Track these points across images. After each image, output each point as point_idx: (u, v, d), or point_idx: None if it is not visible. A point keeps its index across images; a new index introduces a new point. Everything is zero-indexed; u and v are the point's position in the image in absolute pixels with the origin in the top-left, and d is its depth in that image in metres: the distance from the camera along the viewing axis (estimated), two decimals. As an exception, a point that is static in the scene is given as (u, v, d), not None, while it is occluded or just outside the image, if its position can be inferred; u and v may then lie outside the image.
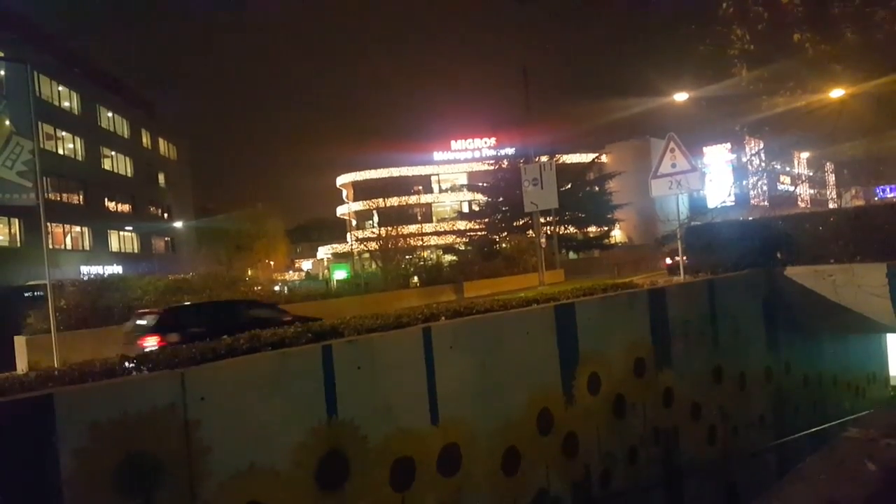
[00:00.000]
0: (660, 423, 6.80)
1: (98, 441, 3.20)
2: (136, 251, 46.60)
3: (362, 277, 29.75)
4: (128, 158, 47.84)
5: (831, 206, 57.42)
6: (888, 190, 52.41)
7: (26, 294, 18.74)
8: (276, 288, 37.98)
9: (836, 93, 10.21)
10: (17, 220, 32.47)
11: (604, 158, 54.20)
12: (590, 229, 46.25)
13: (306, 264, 69.79)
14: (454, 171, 62.11)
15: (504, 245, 33.13)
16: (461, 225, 50.05)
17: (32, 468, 3.05)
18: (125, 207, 46.88)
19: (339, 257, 57.06)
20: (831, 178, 68.68)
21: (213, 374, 3.83)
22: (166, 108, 54.86)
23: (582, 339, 6.15)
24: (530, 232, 33.26)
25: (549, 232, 34.16)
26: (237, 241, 51.75)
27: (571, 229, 44.71)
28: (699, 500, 7.04)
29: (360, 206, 60.02)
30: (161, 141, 54.16)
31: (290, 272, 65.27)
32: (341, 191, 67.53)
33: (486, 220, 44.37)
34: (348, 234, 62.37)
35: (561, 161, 42.29)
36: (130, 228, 46.16)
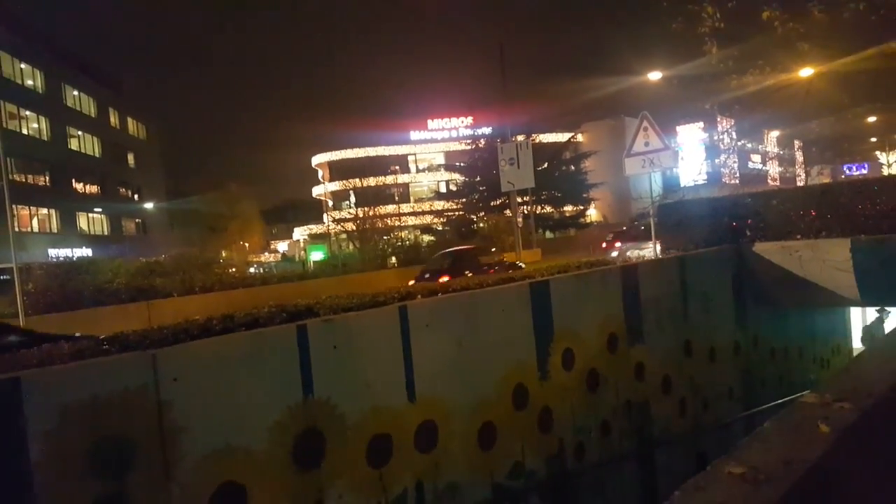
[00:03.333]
0: (632, 397, 6.97)
1: (68, 424, 3.16)
2: (105, 233, 45.62)
3: (339, 258, 29.63)
4: (95, 138, 46.55)
5: (799, 183, 58.69)
6: (854, 167, 53.75)
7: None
8: (252, 270, 37.61)
9: (805, 72, 10.38)
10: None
11: (579, 138, 54.41)
12: (566, 208, 46.60)
13: (282, 245, 69.22)
14: (431, 150, 61.84)
15: (481, 224, 33.22)
16: (439, 205, 50.01)
17: (3, 456, 3.01)
18: (93, 189, 45.75)
19: (315, 238, 56.65)
20: (800, 156, 70.09)
21: (185, 354, 3.81)
22: (137, 87, 53.48)
23: (556, 316, 6.24)
24: (507, 211, 33.38)
25: (526, 211, 34.33)
26: (210, 222, 50.96)
27: (548, 208, 45.01)
28: (670, 471, 7.25)
29: (336, 186, 59.50)
30: (130, 120, 52.77)
31: (266, 254, 64.68)
32: (317, 171, 66.79)
33: (464, 199, 44.40)
34: (325, 215, 61.85)
35: (537, 140, 42.36)
36: (100, 210, 45.11)
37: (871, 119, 37.38)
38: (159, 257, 20.71)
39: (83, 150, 44.97)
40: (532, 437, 5.84)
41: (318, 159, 64.59)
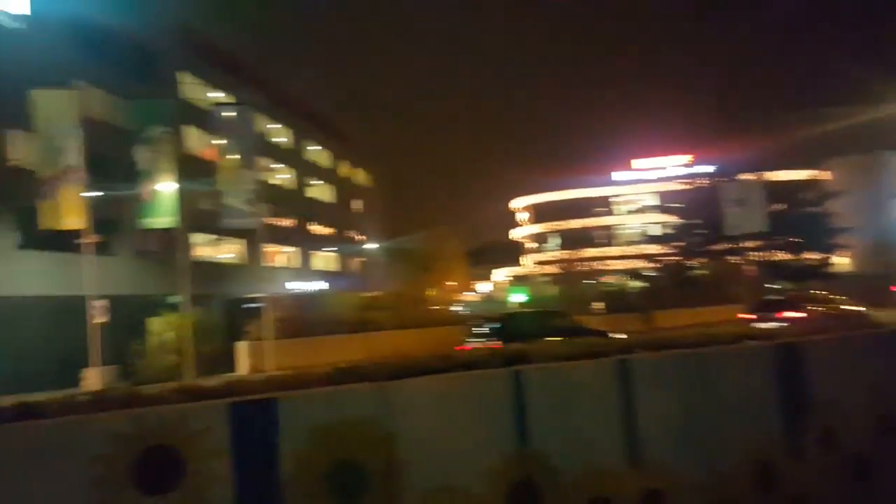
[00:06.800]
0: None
1: (313, 445, 3.42)
2: (334, 270, 51.58)
3: (542, 301, 29.53)
4: (328, 186, 53.35)
5: None
6: None
7: (243, 306, 21.80)
8: (453, 308, 39.35)
9: None
10: (243, 241, 37.72)
11: (823, 176, 47.54)
12: (806, 256, 40.45)
13: (481, 286, 71.28)
14: (639, 191, 59.29)
15: (700, 271, 30.49)
16: (650, 249, 47.16)
17: (260, 469, 3.33)
18: (326, 231, 52.26)
19: (516, 280, 57.51)
20: None
21: (411, 389, 3.93)
22: (361, 137, 60.11)
23: (813, 386, 5.26)
24: (732, 257, 30.17)
25: (756, 258, 30.63)
26: (421, 262, 54.70)
27: (783, 255, 39.52)
28: None
29: (538, 228, 60.10)
30: (357, 170, 59.70)
31: (467, 293, 67.26)
32: (514, 214, 68.22)
33: (678, 243, 41.24)
34: (521, 258, 62.63)
35: (768, 179, 37.89)
36: (331, 249, 51.22)
37: None
38: (377, 293, 22.72)
39: (319, 197, 51.87)
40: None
41: (518, 202, 66.03)
